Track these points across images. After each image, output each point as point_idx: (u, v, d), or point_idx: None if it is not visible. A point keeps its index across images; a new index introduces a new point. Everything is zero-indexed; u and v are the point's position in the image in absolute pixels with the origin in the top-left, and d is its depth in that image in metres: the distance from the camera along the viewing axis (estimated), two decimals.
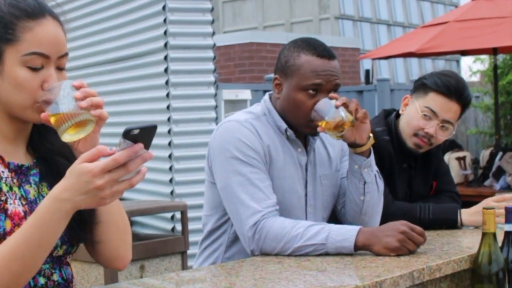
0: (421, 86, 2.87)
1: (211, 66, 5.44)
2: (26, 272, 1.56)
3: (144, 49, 5.52)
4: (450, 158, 7.27)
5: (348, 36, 41.10)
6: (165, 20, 5.27)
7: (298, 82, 2.39)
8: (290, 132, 2.45)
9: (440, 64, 45.64)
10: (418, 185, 2.98)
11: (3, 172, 1.69)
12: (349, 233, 2.21)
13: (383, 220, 2.47)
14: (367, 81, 11.68)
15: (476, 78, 12.07)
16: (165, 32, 5.27)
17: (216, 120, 5.44)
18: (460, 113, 2.85)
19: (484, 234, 2.16)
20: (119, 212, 1.81)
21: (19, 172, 1.73)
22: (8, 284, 1.54)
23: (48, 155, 1.77)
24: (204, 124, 5.38)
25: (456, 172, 7.15)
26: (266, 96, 2.53)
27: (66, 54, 1.70)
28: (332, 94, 2.37)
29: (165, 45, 5.27)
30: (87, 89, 1.62)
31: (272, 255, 2.25)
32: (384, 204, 2.58)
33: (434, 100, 2.81)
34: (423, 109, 2.82)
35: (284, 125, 2.45)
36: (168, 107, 5.27)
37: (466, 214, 2.76)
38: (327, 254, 2.20)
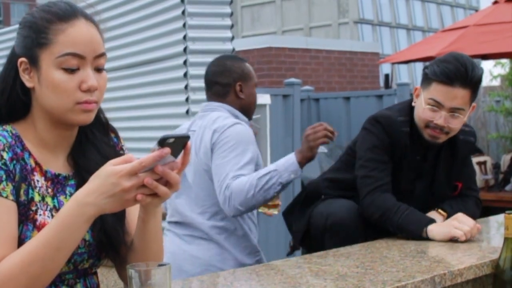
0: (424, 76, 2.78)
1: None
2: (44, 275, 1.55)
3: (163, 54, 5.52)
4: None
5: (367, 41, 41.01)
6: (184, 25, 5.27)
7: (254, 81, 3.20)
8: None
9: None
10: (439, 184, 2.87)
11: (38, 181, 1.67)
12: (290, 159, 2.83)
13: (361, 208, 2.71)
14: (387, 85, 11.62)
15: (496, 83, 11.96)
16: (184, 37, 5.27)
17: None
18: (471, 95, 2.70)
19: (506, 239, 2.15)
20: (154, 240, 1.74)
21: (56, 181, 1.71)
22: (27, 286, 1.53)
23: (87, 168, 1.71)
24: None
25: (476, 177, 7.08)
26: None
27: (103, 54, 1.71)
28: None
29: (185, 49, 5.27)
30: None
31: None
32: (369, 191, 2.69)
33: (436, 91, 2.69)
34: (428, 101, 2.71)
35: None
36: (187, 111, 5.27)
37: (435, 228, 2.56)
38: (287, 182, 2.76)
